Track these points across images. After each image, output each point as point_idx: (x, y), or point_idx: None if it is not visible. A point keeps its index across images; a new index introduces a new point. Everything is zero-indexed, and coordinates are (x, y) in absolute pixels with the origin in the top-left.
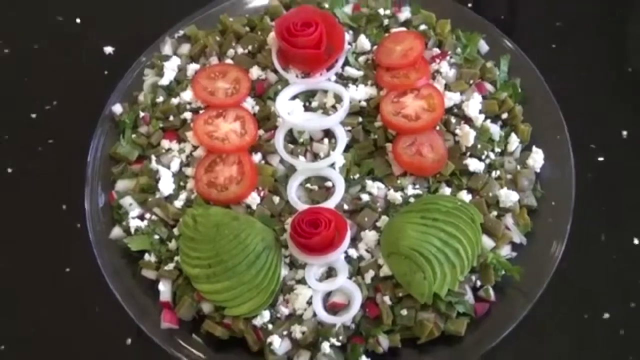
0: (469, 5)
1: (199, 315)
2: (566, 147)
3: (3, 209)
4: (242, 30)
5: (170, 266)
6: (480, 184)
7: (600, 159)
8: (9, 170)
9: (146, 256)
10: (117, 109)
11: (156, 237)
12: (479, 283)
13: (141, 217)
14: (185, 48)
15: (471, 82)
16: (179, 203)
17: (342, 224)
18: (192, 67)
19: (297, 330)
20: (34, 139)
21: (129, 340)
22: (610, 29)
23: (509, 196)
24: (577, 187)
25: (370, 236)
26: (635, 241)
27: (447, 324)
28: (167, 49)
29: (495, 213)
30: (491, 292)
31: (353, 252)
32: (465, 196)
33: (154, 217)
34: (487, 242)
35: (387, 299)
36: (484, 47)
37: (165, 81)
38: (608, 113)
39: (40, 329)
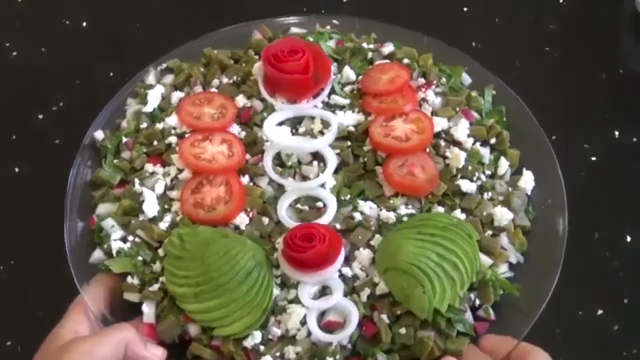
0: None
1: (183, 341)
2: (556, 171)
3: None
4: (227, 61)
5: (155, 287)
6: (474, 204)
7: (594, 158)
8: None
9: (129, 279)
10: (99, 135)
11: (140, 259)
12: (478, 302)
13: (124, 240)
14: (169, 78)
15: (458, 109)
16: (164, 225)
17: (337, 239)
18: (177, 95)
19: (291, 352)
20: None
21: None
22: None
23: (504, 215)
24: (569, 186)
25: (364, 255)
26: (628, 239)
27: (448, 343)
28: (151, 79)
29: (490, 232)
30: (491, 311)
31: (347, 271)
32: (459, 215)
33: (137, 239)
34: (485, 260)
35: (384, 317)
36: (467, 79)
37: (149, 108)
38: (597, 114)
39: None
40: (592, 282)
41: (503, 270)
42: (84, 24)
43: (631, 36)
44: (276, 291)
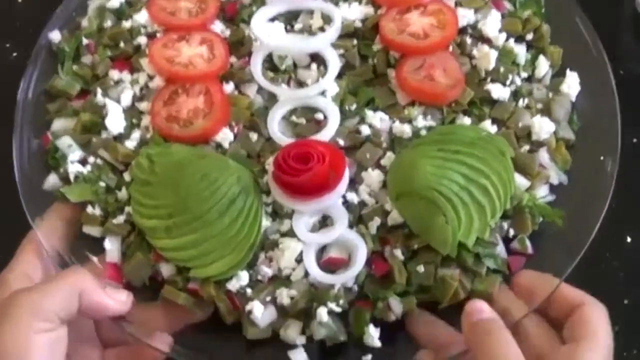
0: None
1: (155, 283)
2: (605, 71)
3: None
4: None
5: (120, 219)
6: (506, 113)
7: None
8: None
9: (89, 208)
10: (55, 35)
11: (102, 184)
12: (512, 232)
13: (83, 162)
14: None
15: None
16: (131, 143)
17: (339, 158)
18: None
19: (284, 295)
20: None
21: None
22: None
23: (543, 125)
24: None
25: (373, 176)
26: (628, 239)
27: (475, 282)
28: None
29: (527, 147)
30: (527, 242)
31: (353, 197)
32: (490, 127)
33: (98, 161)
34: (521, 181)
35: (398, 252)
36: None
37: (114, 3)
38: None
39: None
40: (592, 282)
41: (542, 193)
42: None
43: (631, 36)
44: (266, 222)
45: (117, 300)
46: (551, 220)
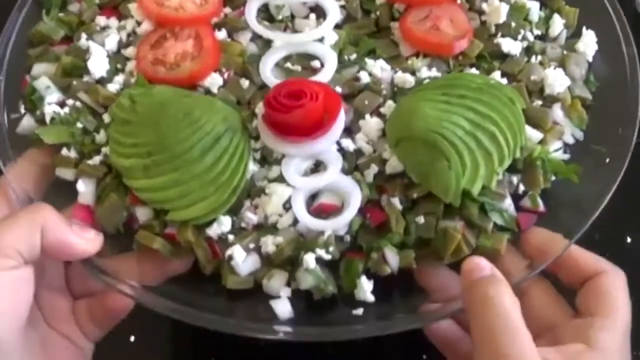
0: None
1: (130, 231)
2: (626, 35)
3: None
4: None
5: (96, 160)
6: (517, 67)
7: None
8: None
9: (64, 151)
10: None
11: (79, 126)
12: (522, 188)
13: (61, 105)
14: None
15: None
16: (113, 86)
17: (334, 98)
18: None
19: (269, 243)
20: None
21: (132, 338)
22: None
23: (557, 78)
24: None
25: (371, 124)
26: (628, 239)
27: (481, 238)
28: None
29: (539, 103)
30: (539, 200)
31: (348, 144)
32: (499, 78)
33: (78, 103)
34: (532, 133)
35: (396, 201)
36: None
37: None
38: None
39: None
40: None
41: (556, 146)
42: None
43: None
44: (253, 167)
45: (84, 238)
46: (565, 176)
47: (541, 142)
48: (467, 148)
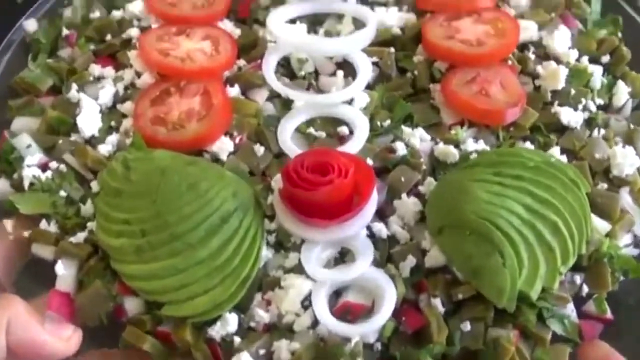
0: None
1: (116, 324)
2: None
3: None
4: None
5: (80, 237)
6: (579, 142)
7: None
8: None
9: (43, 223)
10: (30, 25)
11: (62, 194)
12: (585, 289)
13: (43, 167)
14: None
15: (553, 14)
16: (105, 148)
17: (367, 173)
18: None
19: (284, 349)
20: None
21: None
22: None
23: (627, 158)
24: None
25: (408, 205)
26: None
27: (537, 351)
28: None
29: (604, 185)
30: (605, 304)
31: (381, 230)
32: (558, 156)
33: (62, 167)
34: (599, 223)
35: (437, 302)
36: None
37: None
38: None
39: None
40: None
41: (625, 241)
42: None
43: None
44: (267, 253)
45: (59, 336)
46: (637, 277)
47: (609, 234)
48: (525, 241)
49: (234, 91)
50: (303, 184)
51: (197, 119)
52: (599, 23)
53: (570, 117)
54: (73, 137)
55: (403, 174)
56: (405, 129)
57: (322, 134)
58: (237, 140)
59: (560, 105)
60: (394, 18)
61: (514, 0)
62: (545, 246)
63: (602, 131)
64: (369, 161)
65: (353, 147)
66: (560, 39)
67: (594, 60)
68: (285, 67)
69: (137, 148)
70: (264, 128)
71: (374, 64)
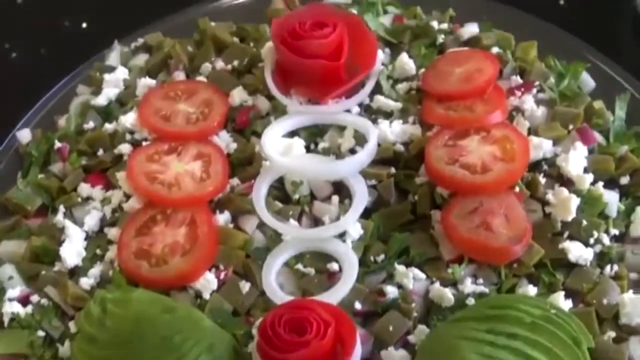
0: None
1: None
2: None
3: None
4: (227, 38)
5: None
6: (587, 283)
7: None
8: None
9: None
10: (24, 135)
11: (40, 334)
12: None
13: (24, 300)
14: (141, 59)
15: (571, 127)
16: (87, 281)
17: (349, 329)
18: (145, 83)
19: None
20: None
21: None
22: None
23: (637, 307)
24: None
25: (396, 359)
26: None
27: None
28: (112, 59)
29: (612, 335)
30: None
31: None
32: (562, 302)
33: (44, 301)
34: None
35: None
36: (588, 82)
37: (102, 100)
38: None
39: None
40: None
41: None
42: None
43: (631, 36)
44: None
45: None
46: None
47: None
48: None
49: (223, 218)
50: (279, 344)
51: (181, 254)
52: (621, 136)
53: (580, 253)
54: (57, 267)
55: (392, 322)
56: (399, 268)
57: (311, 271)
58: (222, 276)
59: (570, 237)
60: (398, 132)
61: (528, 111)
62: None
63: (615, 268)
64: (358, 305)
65: (341, 288)
66: (575, 161)
67: (612, 181)
68: (279, 190)
69: (117, 285)
70: (251, 263)
71: (372, 186)
